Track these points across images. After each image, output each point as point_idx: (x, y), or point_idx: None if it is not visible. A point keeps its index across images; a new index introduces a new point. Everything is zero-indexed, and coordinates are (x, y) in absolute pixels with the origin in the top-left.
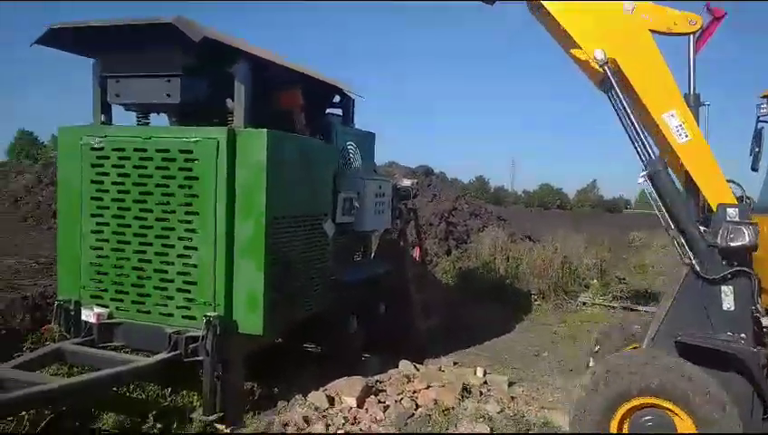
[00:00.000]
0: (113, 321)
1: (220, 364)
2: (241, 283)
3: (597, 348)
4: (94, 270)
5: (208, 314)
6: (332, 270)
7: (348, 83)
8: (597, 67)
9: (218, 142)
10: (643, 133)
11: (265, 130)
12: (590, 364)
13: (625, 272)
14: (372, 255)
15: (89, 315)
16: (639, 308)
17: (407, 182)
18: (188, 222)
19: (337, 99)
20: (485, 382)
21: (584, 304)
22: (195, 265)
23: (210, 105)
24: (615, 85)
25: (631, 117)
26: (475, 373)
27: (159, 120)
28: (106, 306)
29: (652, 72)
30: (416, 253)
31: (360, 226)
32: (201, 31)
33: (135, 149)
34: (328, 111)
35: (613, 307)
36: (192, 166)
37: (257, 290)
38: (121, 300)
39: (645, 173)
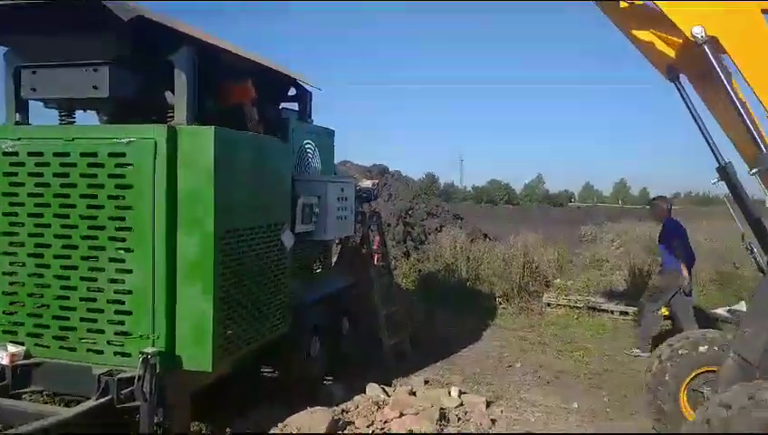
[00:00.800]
0: (30, 361)
1: (161, 409)
2: (185, 311)
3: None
4: (7, 300)
5: (145, 350)
6: (292, 288)
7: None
8: (668, 50)
9: (156, 143)
10: (753, 123)
11: (213, 127)
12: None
13: (581, 268)
14: (333, 264)
15: (0, 356)
16: (606, 307)
17: (367, 183)
18: (121, 240)
19: (292, 92)
20: (462, 404)
21: (548, 305)
22: (129, 292)
23: (149, 101)
24: (717, 67)
25: (736, 102)
26: (450, 394)
27: (89, 118)
28: (21, 344)
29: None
30: (375, 259)
31: (321, 234)
32: (133, 9)
33: (55, 154)
34: (282, 105)
35: (578, 307)
36: (124, 172)
37: (205, 319)
38: (40, 335)
39: (756, 170)
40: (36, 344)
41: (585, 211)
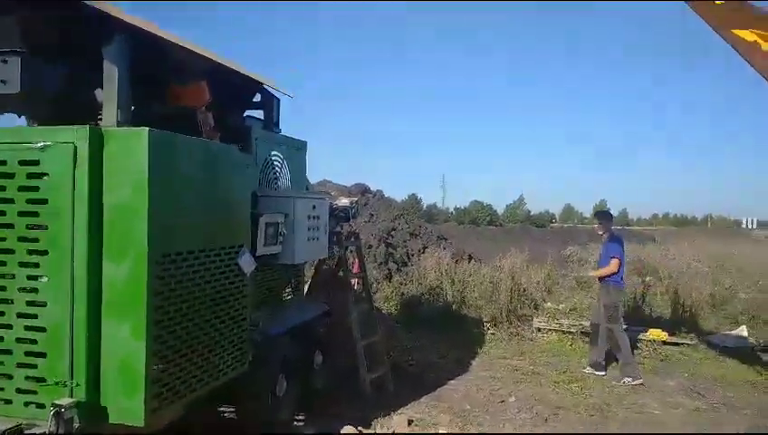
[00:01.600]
0: None
1: None
2: (112, 351)
3: None
4: None
5: (59, 401)
6: (252, 319)
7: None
8: None
9: (75, 148)
10: None
11: (146, 129)
12: None
13: (568, 289)
14: (305, 291)
15: None
16: None
17: (345, 201)
18: (34, 265)
19: (258, 98)
20: None
21: (539, 330)
22: (43, 329)
23: (82, 102)
24: None
25: None
26: None
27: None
28: None
29: None
30: (354, 284)
31: (288, 257)
32: None
33: None
34: (246, 113)
35: (571, 332)
36: (39, 184)
37: (135, 361)
38: None
39: None
40: None
41: (567, 231)
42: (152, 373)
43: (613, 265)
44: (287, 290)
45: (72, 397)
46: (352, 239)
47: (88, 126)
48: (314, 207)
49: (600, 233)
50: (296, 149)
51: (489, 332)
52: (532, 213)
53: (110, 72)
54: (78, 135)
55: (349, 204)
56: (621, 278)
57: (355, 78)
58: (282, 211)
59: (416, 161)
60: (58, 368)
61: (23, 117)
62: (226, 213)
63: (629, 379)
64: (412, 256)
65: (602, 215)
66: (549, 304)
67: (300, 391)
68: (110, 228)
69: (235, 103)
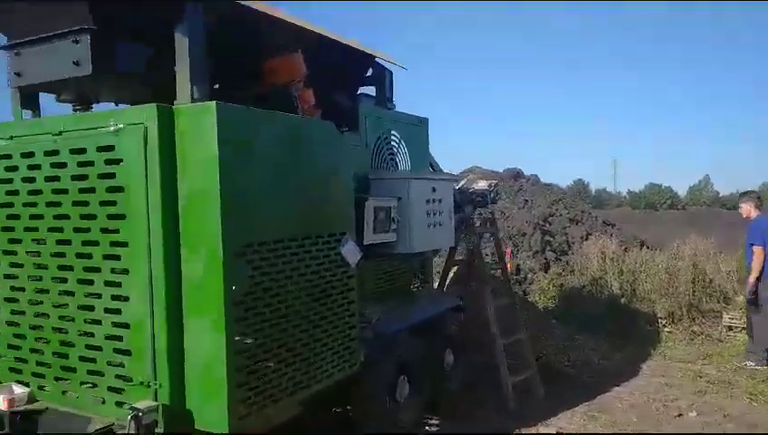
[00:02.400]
0: (33, 407)
1: None
2: (195, 352)
3: None
4: (10, 332)
5: (138, 404)
6: (365, 315)
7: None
8: None
9: (146, 129)
10: None
11: (214, 102)
12: None
13: None
14: (440, 283)
15: None
16: None
17: (482, 184)
18: (116, 258)
19: (369, 73)
20: None
21: (730, 328)
22: (127, 325)
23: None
24: None
25: None
26: None
27: None
28: (26, 384)
29: None
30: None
31: (404, 246)
32: None
33: (46, 153)
34: (361, 91)
35: None
36: (115, 170)
37: (216, 363)
38: (42, 376)
39: None
40: (40, 387)
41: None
42: (238, 378)
43: (757, 257)
44: (411, 282)
45: (156, 399)
46: (488, 225)
47: (156, 104)
48: (434, 189)
49: (745, 217)
50: (415, 127)
51: (665, 330)
52: (721, 195)
53: (182, 45)
54: (147, 115)
55: (487, 187)
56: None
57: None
58: (394, 195)
59: (585, 144)
60: (142, 368)
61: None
62: (323, 197)
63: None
64: (573, 243)
65: (746, 196)
66: (742, 297)
67: (428, 395)
68: (186, 216)
69: (342, 79)
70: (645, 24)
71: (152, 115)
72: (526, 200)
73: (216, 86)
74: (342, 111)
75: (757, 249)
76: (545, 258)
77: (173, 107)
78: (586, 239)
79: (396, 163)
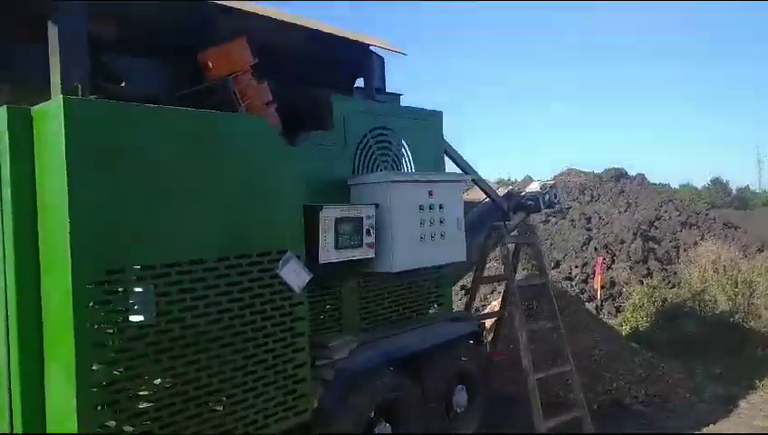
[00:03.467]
0: None
1: None
2: (52, 401)
3: None
4: None
5: None
6: (325, 349)
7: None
8: None
9: None
10: None
11: (61, 98)
12: None
13: None
14: (467, 304)
15: None
16: None
17: (534, 186)
18: None
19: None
20: None
21: None
22: None
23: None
24: None
25: None
26: None
27: None
28: None
29: None
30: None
31: (384, 264)
32: None
33: None
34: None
35: None
36: None
37: (67, 416)
38: None
39: None
40: None
41: None
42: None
43: None
44: (418, 307)
45: None
46: (527, 234)
47: (6, 106)
48: (431, 193)
49: None
50: (423, 122)
51: None
52: None
53: (52, 35)
54: None
55: (539, 189)
56: None
57: None
58: (375, 201)
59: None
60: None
61: None
62: (250, 209)
63: None
64: (687, 250)
65: None
66: None
67: None
68: (43, 234)
69: (324, 71)
70: None
71: (2, 115)
72: (629, 203)
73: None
74: (310, 106)
75: None
76: (647, 268)
77: (31, 109)
78: (698, 244)
79: (391, 165)
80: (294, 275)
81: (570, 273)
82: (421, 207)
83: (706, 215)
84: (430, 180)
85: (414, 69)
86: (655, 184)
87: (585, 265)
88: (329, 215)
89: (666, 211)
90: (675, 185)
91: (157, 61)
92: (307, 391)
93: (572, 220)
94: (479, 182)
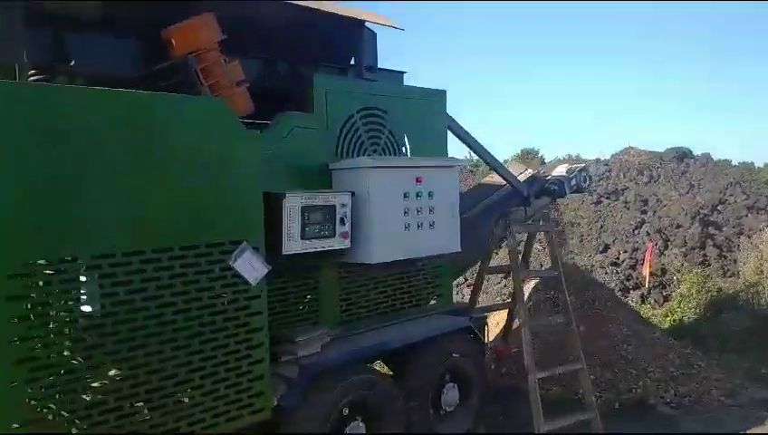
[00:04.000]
0: None
1: None
2: None
3: None
4: None
5: None
6: (292, 344)
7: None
8: None
9: None
10: None
11: None
12: None
13: None
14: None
15: None
16: None
17: (560, 170)
18: None
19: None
20: None
21: None
22: None
23: None
24: None
25: None
26: None
27: None
28: None
29: None
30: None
31: (363, 254)
32: None
33: None
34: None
35: None
36: None
37: None
38: None
39: None
40: None
41: None
42: None
43: None
44: (401, 297)
45: None
46: (541, 222)
47: None
48: (419, 179)
49: None
50: (423, 102)
51: None
52: None
53: None
54: None
55: (566, 173)
56: None
57: None
58: (350, 188)
59: None
60: None
61: None
62: (197, 197)
63: None
64: (750, 236)
65: None
66: None
67: None
68: None
69: (306, 48)
70: None
71: None
72: (692, 185)
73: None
74: (288, 86)
75: None
76: (704, 255)
77: None
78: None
79: (383, 149)
80: (249, 267)
81: (617, 258)
82: (406, 195)
83: None
84: (418, 166)
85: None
86: (725, 161)
87: (636, 250)
88: (293, 203)
89: (731, 194)
90: (759, 164)
91: (117, 38)
92: (265, 389)
93: (626, 202)
94: (493, 164)
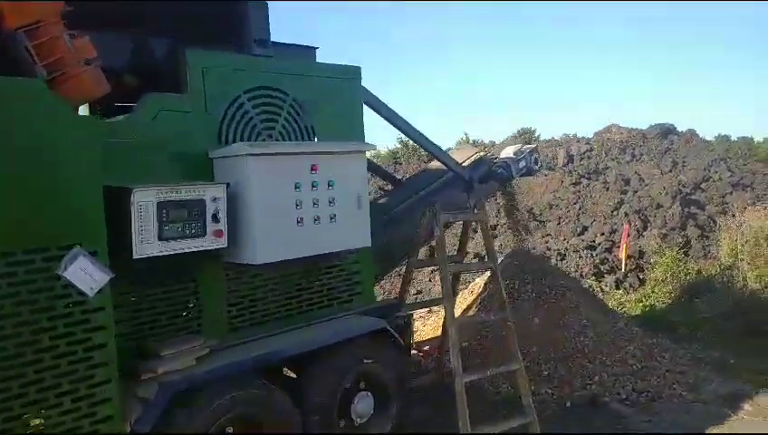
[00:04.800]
0: None
1: None
2: None
3: None
4: None
5: None
6: (155, 359)
7: None
8: None
9: None
10: None
11: None
12: None
13: None
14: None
15: None
16: None
17: (508, 152)
18: None
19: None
20: None
21: None
22: None
23: None
24: None
25: None
26: None
27: None
28: None
29: None
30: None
31: (245, 254)
32: None
33: None
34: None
35: None
36: None
37: None
38: None
39: None
40: None
41: None
42: None
43: None
44: (309, 298)
45: None
46: (476, 211)
47: None
48: (314, 167)
49: None
50: (335, 80)
51: None
52: None
53: None
54: None
55: (513, 155)
56: None
57: None
58: (230, 179)
59: None
60: None
61: None
62: (8, 194)
63: None
64: (734, 215)
65: None
66: None
67: None
68: None
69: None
70: None
71: None
72: (675, 162)
73: None
74: (155, 64)
75: None
76: (685, 236)
77: None
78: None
79: (280, 133)
80: (84, 275)
81: (593, 241)
82: (298, 186)
83: (765, 175)
84: (312, 152)
85: None
86: (711, 140)
87: (613, 232)
88: (145, 198)
89: (716, 171)
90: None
91: None
92: (114, 413)
93: (606, 182)
94: (425, 146)
